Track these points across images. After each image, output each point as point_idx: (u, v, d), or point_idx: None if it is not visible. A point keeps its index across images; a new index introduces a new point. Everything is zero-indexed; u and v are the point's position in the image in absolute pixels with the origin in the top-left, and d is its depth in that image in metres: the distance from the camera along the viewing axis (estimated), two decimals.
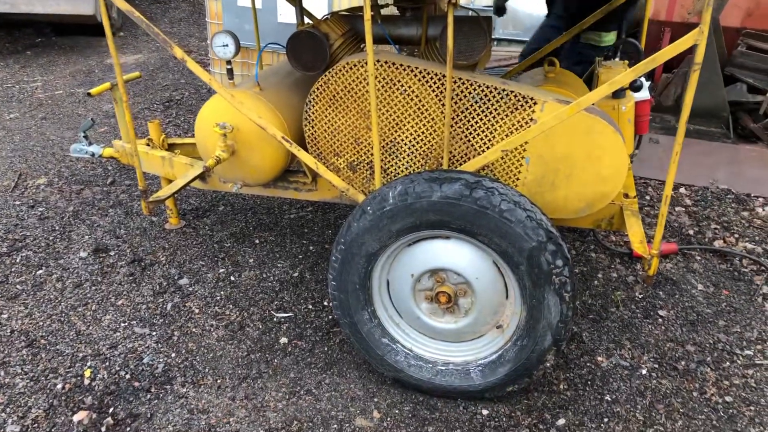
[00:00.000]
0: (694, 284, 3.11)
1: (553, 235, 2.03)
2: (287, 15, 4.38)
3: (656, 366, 2.57)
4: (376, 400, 2.40)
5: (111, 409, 2.34)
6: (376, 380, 2.49)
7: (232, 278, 3.14)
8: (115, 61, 2.53)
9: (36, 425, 2.28)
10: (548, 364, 2.18)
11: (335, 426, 2.27)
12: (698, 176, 4.14)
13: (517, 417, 2.30)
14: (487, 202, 2.01)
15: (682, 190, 4.05)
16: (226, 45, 2.62)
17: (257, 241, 3.46)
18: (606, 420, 2.30)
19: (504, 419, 2.29)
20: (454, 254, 2.18)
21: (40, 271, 3.19)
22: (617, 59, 3.03)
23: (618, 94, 2.57)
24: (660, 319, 2.85)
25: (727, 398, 2.41)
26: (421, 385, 2.36)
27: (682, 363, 2.59)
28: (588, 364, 2.58)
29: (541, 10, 5.46)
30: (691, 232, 3.56)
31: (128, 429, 2.26)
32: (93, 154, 3.39)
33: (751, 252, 3.35)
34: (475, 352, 2.32)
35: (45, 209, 3.79)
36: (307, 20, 3.22)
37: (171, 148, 3.45)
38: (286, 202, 3.88)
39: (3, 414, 2.32)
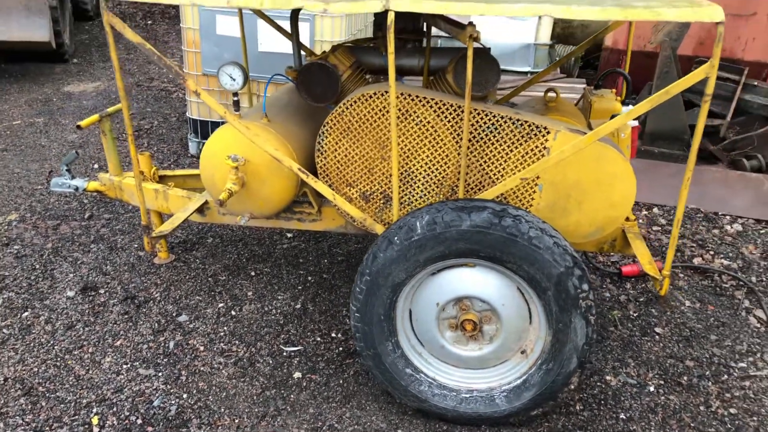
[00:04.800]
0: (682, 301, 3.26)
1: (577, 260, 2.10)
2: (268, 44, 4.37)
3: (662, 382, 2.67)
4: (399, 431, 2.38)
5: None
6: (397, 411, 2.48)
7: (233, 313, 3.06)
8: (121, 94, 2.46)
9: None
10: (572, 386, 2.24)
11: None
12: (669, 196, 4.36)
13: None
14: (516, 230, 2.06)
15: (655, 210, 4.26)
16: (234, 79, 2.59)
17: (253, 273, 3.40)
18: None
19: None
20: (480, 282, 2.22)
21: (26, 313, 3.02)
22: (603, 88, 3.19)
23: None
24: (657, 336, 2.97)
25: (732, 410, 2.53)
26: (446, 414, 2.37)
27: (685, 378, 2.70)
28: (598, 384, 2.65)
29: (515, 38, 5.68)
30: None
31: None
32: (77, 189, 3.26)
33: (728, 268, 3.55)
34: (499, 377, 2.35)
35: (21, 247, 3.60)
36: (303, 53, 3.24)
37: (162, 180, 3.36)
38: (276, 231, 3.83)
39: None
